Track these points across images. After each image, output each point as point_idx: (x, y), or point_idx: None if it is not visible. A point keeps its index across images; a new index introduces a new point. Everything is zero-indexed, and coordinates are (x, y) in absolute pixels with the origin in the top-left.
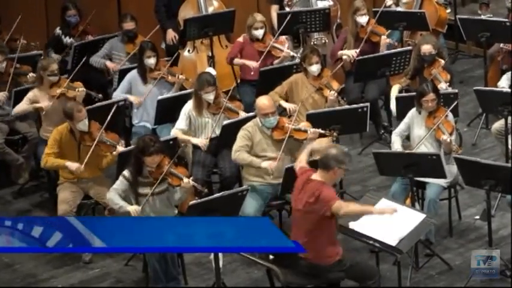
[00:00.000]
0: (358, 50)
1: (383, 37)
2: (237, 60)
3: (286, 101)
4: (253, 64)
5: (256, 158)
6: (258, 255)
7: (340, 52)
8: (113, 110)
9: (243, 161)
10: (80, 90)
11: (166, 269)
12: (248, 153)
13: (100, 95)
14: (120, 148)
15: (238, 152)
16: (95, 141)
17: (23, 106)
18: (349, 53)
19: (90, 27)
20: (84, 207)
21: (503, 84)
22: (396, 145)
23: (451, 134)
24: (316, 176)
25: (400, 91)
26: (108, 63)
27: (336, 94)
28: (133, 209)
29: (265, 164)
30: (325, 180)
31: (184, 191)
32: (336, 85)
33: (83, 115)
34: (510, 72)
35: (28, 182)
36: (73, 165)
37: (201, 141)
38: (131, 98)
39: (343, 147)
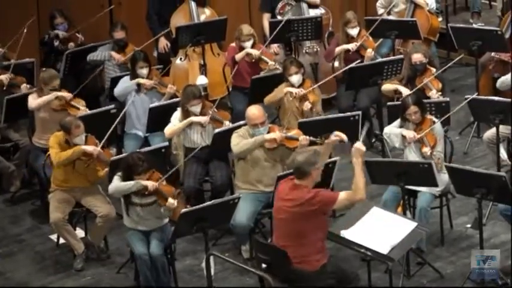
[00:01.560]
0: (358, 44)
1: (368, 50)
2: (238, 55)
3: (279, 108)
4: (255, 52)
5: (258, 136)
6: (250, 263)
7: (338, 48)
8: (112, 127)
9: (246, 145)
10: (83, 109)
11: (157, 277)
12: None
13: None
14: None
15: (238, 143)
16: (95, 155)
17: (43, 99)
18: (350, 46)
19: (78, 35)
20: (76, 215)
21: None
22: (395, 129)
23: (433, 147)
24: (297, 183)
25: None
26: (114, 54)
27: (310, 106)
28: (151, 184)
29: (269, 136)
30: (307, 184)
31: (169, 210)
32: (312, 97)
33: (80, 131)
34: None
35: (20, 190)
36: (90, 147)
37: (202, 117)
38: (142, 81)
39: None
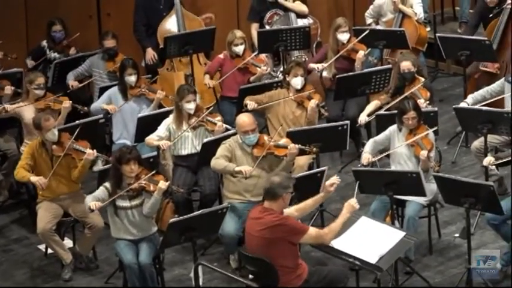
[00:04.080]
0: (325, 64)
1: (360, 52)
2: (206, 80)
3: (264, 113)
4: (209, 82)
5: (231, 164)
6: (238, 273)
7: (310, 65)
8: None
9: (219, 166)
10: (66, 103)
11: (145, 287)
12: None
13: (85, 108)
14: (91, 151)
15: (217, 158)
16: (65, 149)
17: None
18: (316, 66)
19: (73, 49)
20: (64, 225)
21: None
22: (367, 147)
23: (429, 151)
24: (267, 206)
25: (380, 108)
26: (70, 82)
27: (316, 102)
28: (92, 203)
29: (239, 168)
30: (276, 208)
31: (159, 196)
32: (317, 97)
33: (50, 124)
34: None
35: (7, 200)
36: (35, 178)
37: (162, 141)
38: (106, 106)
39: (284, 173)
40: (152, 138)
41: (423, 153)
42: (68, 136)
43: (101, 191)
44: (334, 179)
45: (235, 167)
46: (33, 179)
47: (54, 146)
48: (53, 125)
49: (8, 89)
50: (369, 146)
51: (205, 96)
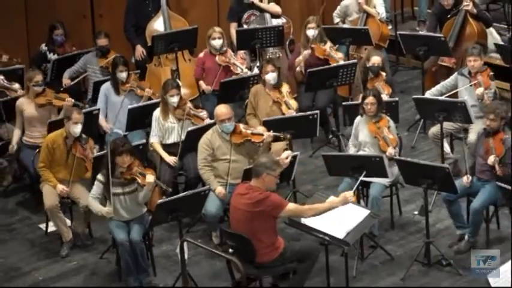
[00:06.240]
0: (309, 51)
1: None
2: (201, 84)
3: (245, 107)
4: (204, 86)
5: (214, 181)
6: (220, 248)
7: (297, 59)
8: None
9: (205, 180)
10: (69, 101)
11: (137, 262)
12: (211, 159)
13: (87, 106)
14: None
15: (202, 169)
16: (82, 155)
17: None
18: (303, 55)
19: (74, 48)
20: (62, 206)
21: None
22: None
23: (395, 147)
24: (252, 184)
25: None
26: (64, 80)
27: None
28: (105, 211)
29: (217, 190)
30: (260, 186)
31: (149, 189)
32: (294, 104)
33: (79, 118)
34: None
35: (11, 184)
36: (59, 187)
37: (171, 159)
38: (103, 124)
39: (273, 156)
40: (158, 147)
41: (390, 152)
42: (93, 145)
43: (96, 187)
44: (287, 154)
45: (216, 186)
46: (58, 187)
47: (77, 145)
48: (81, 120)
49: (19, 88)
50: (351, 151)
51: (189, 89)
